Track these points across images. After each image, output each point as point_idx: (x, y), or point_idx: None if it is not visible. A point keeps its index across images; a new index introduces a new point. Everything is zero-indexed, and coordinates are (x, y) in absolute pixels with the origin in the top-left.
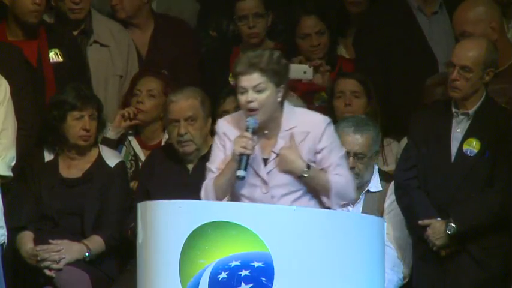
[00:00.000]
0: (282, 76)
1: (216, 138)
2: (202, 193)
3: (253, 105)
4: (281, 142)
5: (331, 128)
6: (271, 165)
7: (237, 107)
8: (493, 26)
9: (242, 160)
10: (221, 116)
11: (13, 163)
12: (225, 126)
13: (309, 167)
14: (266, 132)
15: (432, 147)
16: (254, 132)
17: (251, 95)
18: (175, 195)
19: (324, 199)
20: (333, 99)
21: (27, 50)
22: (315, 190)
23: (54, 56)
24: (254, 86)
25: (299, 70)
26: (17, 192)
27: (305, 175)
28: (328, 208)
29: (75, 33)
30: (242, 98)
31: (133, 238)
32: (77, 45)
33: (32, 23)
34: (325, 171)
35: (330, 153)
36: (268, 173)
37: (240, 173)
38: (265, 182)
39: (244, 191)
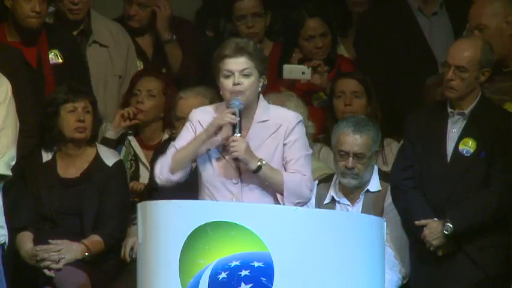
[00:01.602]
0: (264, 66)
1: (187, 123)
2: (158, 166)
3: (240, 87)
4: (251, 133)
5: (302, 126)
6: None
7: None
8: (508, 21)
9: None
10: None
11: (13, 163)
12: (200, 115)
13: (260, 167)
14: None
15: (428, 148)
16: (240, 115)
17: (238, 78)
18: (176, 192)
19: (278, 196)
20: (333, 99)
21: (26, 52)
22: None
23: (54, 57)
24: (241, 70)
25: (297, 70)
26: (16, 192)
27: (257, 173)
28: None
29: (74, 33)
30: (228, 81)
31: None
32: (76, 45)
33: (31, 28)
34: (279, 171)
35: (294, 148)
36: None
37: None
38: (238, 173)
39: (216, 182)
